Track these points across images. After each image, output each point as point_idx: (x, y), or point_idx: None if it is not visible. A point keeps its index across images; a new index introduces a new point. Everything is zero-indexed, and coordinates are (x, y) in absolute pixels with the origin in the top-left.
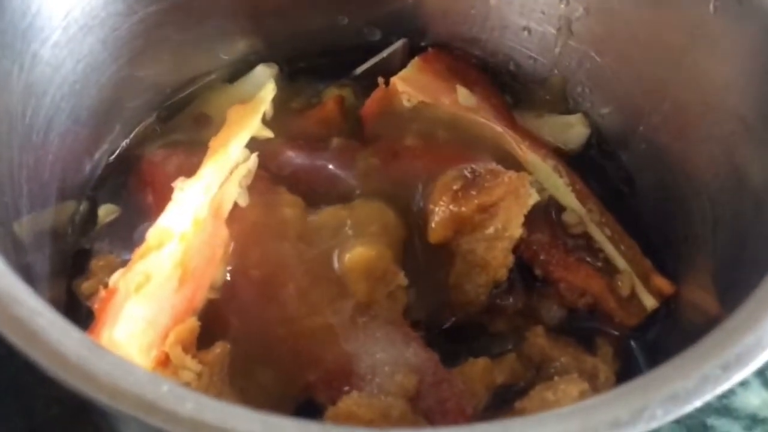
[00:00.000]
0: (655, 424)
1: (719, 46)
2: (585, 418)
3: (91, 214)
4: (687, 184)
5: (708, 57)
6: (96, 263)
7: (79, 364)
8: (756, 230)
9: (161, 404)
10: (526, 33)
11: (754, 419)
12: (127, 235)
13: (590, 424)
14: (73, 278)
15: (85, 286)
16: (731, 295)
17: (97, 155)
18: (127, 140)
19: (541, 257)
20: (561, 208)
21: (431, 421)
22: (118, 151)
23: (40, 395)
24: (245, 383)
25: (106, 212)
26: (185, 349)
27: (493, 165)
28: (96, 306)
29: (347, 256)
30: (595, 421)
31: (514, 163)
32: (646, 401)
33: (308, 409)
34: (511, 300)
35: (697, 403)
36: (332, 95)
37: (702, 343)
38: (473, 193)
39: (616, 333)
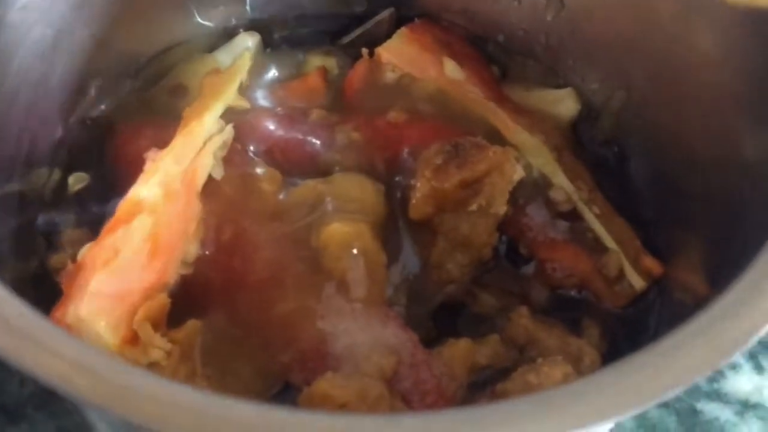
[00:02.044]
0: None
1: (715, 20)
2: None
3: (63, 183)
4: (680, 161)
5: (704, 31)
6: (65, 237)
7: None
8: (750, 209)
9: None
10: (516, 3)
11: (745, 404)
12: (98, 207)
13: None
14: (45, 251)
15: (54, 260)
16: (721, 275)
17: (68, 123)
18: (102, 108)
19: (527, 235)
20: (548, 185)
21: (409, 404)
22: (91, 119)
23: (14, 373)
24: (219, 365)
25: (76, 180)
26: (155, 327)
27: (478, 139)
28: (63, 281)
29: (323, 232)
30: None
31: (501, 139)
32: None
33: (285, 391)
34: (495, 279)
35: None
36: (315, 66)
37: (692, 323)
38: (456, 168)
39: (604, 314)
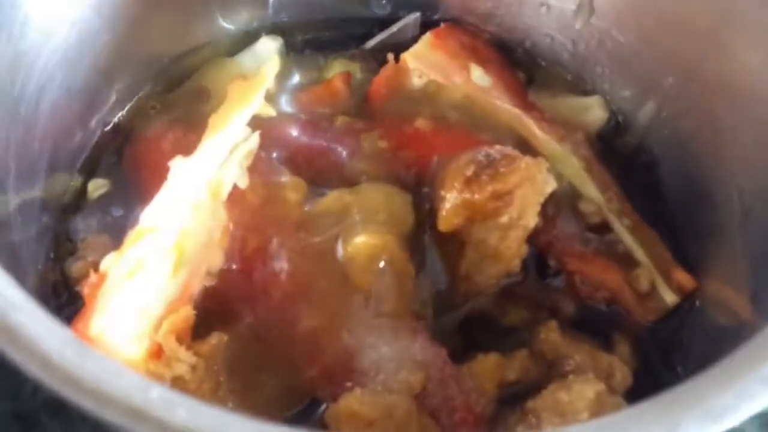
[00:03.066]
0: None
1: (751, 29)
2: None
3: (84, 190)
4: (714, 173)
5: (739, 40)
6: (86, 243)
7: (62, 364)
8: None
9: (151, 411)
10: (544, 9)
11: None
12: (119, 214)
13: None
14: (65, 258)
15: (75, 268)
16: (765, 297)
17: (90, 126)
18: (123, 112)
19: (556, 248)
20: (578, 196)
21: (438, 420)
22: (112, 124)
23: (28, 379)
24: (244, 380)
25: (95, 187)
26: (179, 340)
27: (509, 150)
28: (85, 291)
29: (350, 245)
30: None
31: (529, 147)
32: (679, 418)
33: (311, 406)
34: (523, 292)
35: (734, 422)
36: (339, 71)
37: (739, 353)
38: (487, 179)
39: (634, 329)
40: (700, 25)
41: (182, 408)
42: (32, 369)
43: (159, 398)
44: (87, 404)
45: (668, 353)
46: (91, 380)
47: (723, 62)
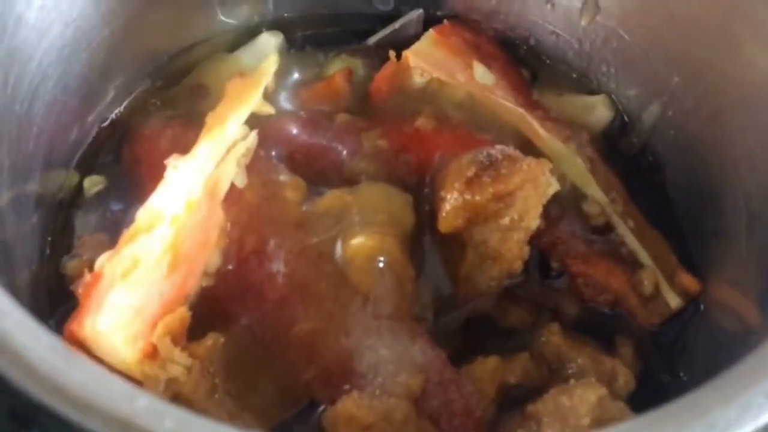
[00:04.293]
0: None
1: (760, 28)
2: None
3: (80, 186)
4: (720, 175)
5: (748, 39)
6: (82, 241)
7: (47, 373)
8: None
9: (138, 422)
10: (549, 6)
11: None
12: (115, 211)
13: None
14: (61, 256)
15: (71, 266)
16: None
17: (87, 122)
18: (120, 108)
19: (559, 249)
20: (582, 197)
21: (437, 424)
22: (110, 120)
23: None
24: (241, 382)
25: (92, 183)
26: (175, 341)
27: (511, 150)
28: (80, 291)
29: (349, 246)
30: None
31: (532, 148)
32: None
33: (310, 408)
34: (525, 294)
35: None
36: (340, 68)
37: (743, 364)
38: (488, 180)
39: (637, 332)
40: (707, 23)
41: (169, 418)
42: (16, 377)
43: (146, 408)
44: (72, 414)
45: (672, 358)
46: (76, 389)
47: (730, 62)
